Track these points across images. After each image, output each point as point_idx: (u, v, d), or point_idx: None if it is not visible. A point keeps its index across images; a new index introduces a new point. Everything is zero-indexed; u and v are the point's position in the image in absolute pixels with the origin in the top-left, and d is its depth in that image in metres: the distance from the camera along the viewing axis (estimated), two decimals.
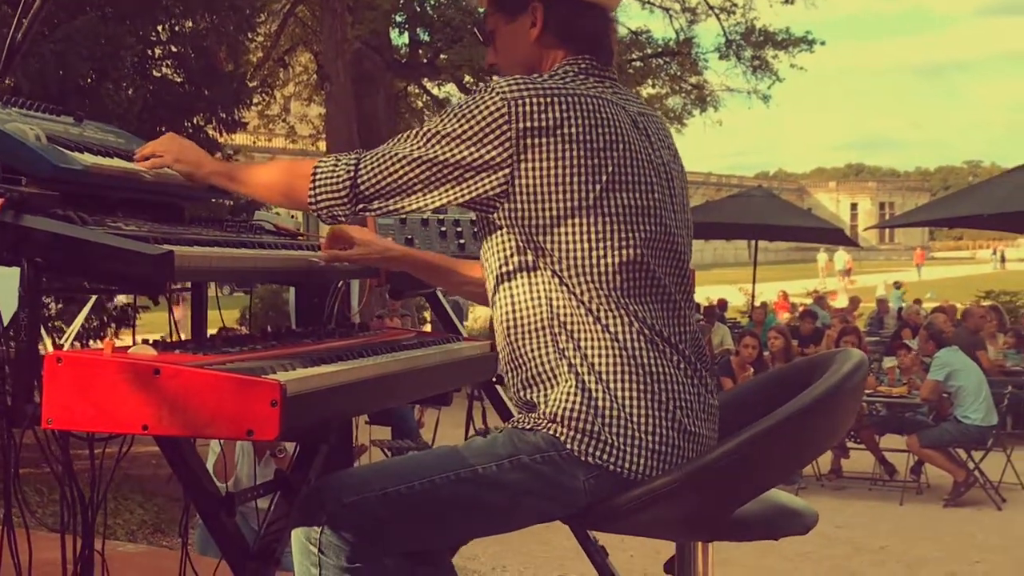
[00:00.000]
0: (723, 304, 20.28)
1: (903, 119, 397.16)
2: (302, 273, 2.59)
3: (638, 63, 21.08)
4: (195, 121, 9.83)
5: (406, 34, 19.31)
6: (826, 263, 49.04)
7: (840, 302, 25.54)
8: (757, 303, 19.03)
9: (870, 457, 9.76)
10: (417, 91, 21.53)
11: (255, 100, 14.22)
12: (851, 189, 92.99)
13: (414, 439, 8.69)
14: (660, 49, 21.65)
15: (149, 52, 9.68)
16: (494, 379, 3.30)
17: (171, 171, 2.49)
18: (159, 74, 9.88)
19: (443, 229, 3.19)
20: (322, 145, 20.80)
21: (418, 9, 17.48)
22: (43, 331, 2.35)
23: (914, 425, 9.37)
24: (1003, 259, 56.61)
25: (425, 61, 18.49)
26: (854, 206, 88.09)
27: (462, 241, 3.17)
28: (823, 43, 21.84)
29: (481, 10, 2.50)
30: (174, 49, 9.92)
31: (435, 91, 21.80)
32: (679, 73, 22.02)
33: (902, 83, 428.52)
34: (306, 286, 3.07)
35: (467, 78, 17.48)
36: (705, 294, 23.19)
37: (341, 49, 16.63)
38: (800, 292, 28.26)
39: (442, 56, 17.50)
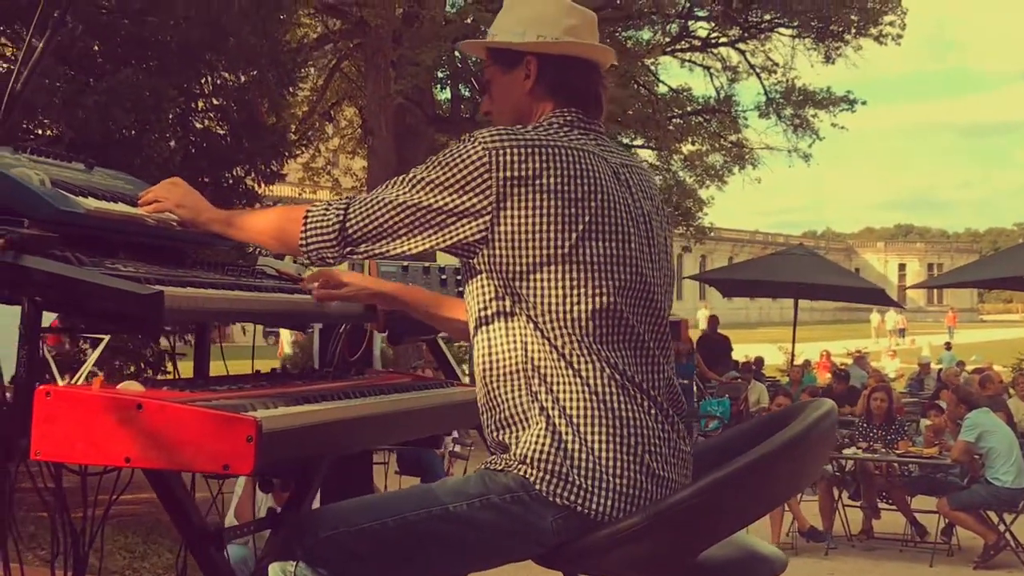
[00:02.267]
0: (759, 362, 20.19)
1: (951, 180, 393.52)
2: (295, 315, 2.67)
3: (678, 120, 21.21)
4: (235, 172, 10.02)
5: (448, 89, 19.59)
6: (879, 323, 48.93)
7: (888, 365, 25.40)
8: (799, 361, 18.91)
9: (901, 518, 9.65)
10: None
11: (300, 152, 14.45)
12: (899, 250, 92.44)
13: None
14: (700, 107, 21.79)
15: (192, 104, 9.90)
16: None
17: (172, 216, 2.59)
18: (201, 126, 10.09)
19: (444, 277, 3.28)
20: None
21: (459, 65, 17.70)
22: (55, 369, 2.43)
23: (945, 487, 9.26)
24: None
25: (466, 116, 18.71)
26: (902, 267, 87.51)
27: (462, 289, 3.24)
28: (864, 103, 21.91)
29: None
30: (216, 102, 10.13)
31: None
32: (719, 131, 22.11)
33: (949, 144, 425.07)
34: (328, 330, 3.15)
35: None
36: (747, 352, 23.09)
37: (384, 104, 16.89)
38: (843, 353, 28.03)
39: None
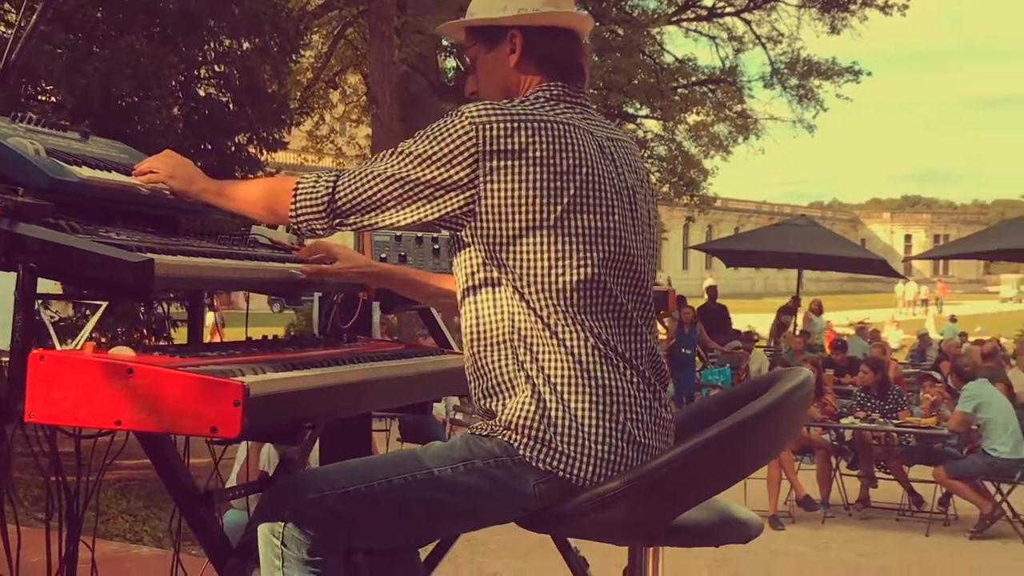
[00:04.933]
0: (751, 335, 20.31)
1: (961, 152, 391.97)
2: (285, 284, 2.71)
3: (683, 90, 21.18)
4: (237, 140, 10.04)
5: (453, 58, 19.56)
6: (914, 294, 49.62)
7: (892, 336, 25.50)
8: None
9: (898, 487, 9.74)
10: None
11: (301, 121, 14.44)
12: (905, 221, 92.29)
13: None
14: (705, 77, 21.75)
15: (195, 72, 9.92)
16: None
17: (165, 187, 2.63)
18: (203, 93, 10.11)
19: (436, 247, 3.32)
20: None
21: None
22: (54, 334, 2.49)
23: (943, 456, 9.34)
24: None
25: None
26: (908, 238, 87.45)
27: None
28: (869, 74, 21.89)
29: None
30: (218, 69, 10.15)
31: None
32: (723, 101, 22.09)
33: (960, 116, 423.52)
34: (326, 298, 3.20)
35: None
36: (750, 322, 23.19)
37: (388, 72, 16.86)
38: (845, 323, 28.13)
39: None
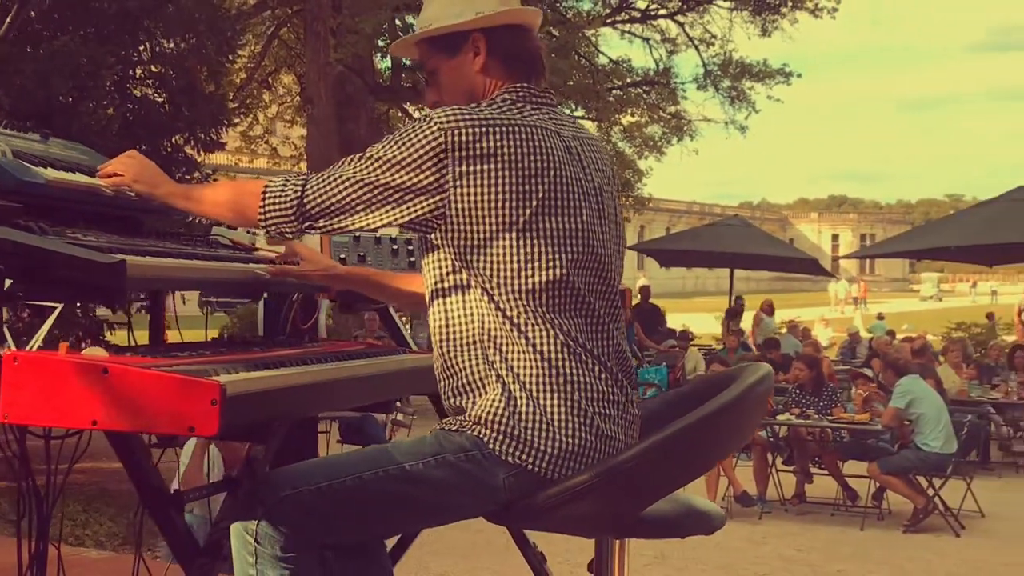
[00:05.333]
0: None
1: (888, 152, 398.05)
2: (250, 285, 2.73)
3: (618, 92, 21.34)
4: (174, 140, 9.95)
5: (388, 59, 19.57)
6: (846, 292, 50.48)
7: (821, 334, 25.88)
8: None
9: (833, 483, 9.90)
10: (399, 115, 21.71)
11: (238, 121, 14.36)
12: (832, 220, 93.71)
13: None
14: (639, 78, 21.93)
15: (131, 72, 9.81)
16: None
17: (130, 190, 2.64)
18: (139, 93, 10.01)
19: (395, 247, 3.35)
20: (304, 166, 20.96)
21: (400, 35, 17.66)
22: (9, 336, 2.49)
23: (876, 452, 9.52)
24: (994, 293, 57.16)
25: (407, 85, 18.70)
26: (835, 237, 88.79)
27: (413, 259, 3.32)
28: (799, 75, 22.19)
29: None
30: (155, 69, 10.05)
31: (416, 115, 21.98)
32: (657, 102, 22.30)
33: (888, 117, 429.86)
34: (273, 299, 3.22)
35: None
36: (683, 321, 23.43)
37: (324, 72, 16.79)
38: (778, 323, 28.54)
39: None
